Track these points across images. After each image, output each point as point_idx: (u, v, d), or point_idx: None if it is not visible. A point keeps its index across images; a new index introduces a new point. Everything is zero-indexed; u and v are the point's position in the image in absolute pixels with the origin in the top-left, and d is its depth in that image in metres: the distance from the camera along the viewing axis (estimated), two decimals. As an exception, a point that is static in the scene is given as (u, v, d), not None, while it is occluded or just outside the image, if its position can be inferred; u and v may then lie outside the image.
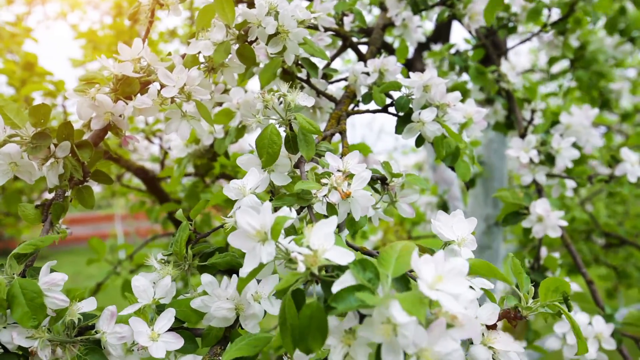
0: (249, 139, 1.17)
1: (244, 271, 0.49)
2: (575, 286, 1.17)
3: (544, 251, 1.24)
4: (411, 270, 0.46)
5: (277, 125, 0.72)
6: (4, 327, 0.59)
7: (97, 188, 2.94)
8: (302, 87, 1.01)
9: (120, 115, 0.73)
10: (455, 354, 0.41)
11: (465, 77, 1.59)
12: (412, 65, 1.92)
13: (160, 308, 0.65)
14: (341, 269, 0.46)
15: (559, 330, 0.96)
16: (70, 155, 0.68)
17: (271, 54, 0.87)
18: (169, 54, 0.84)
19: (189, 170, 1.50)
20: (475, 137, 1.03)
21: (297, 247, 0.46)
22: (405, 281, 0.46)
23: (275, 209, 0.54)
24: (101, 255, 1.85)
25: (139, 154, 2.40)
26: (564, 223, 1.06)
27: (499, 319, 0.57)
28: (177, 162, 1.38)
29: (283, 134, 0.73)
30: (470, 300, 0.42)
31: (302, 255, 0.45)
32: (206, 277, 0.66)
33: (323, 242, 0.46)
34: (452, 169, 0.98)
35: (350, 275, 0.45)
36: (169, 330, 0.62)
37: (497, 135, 2.25)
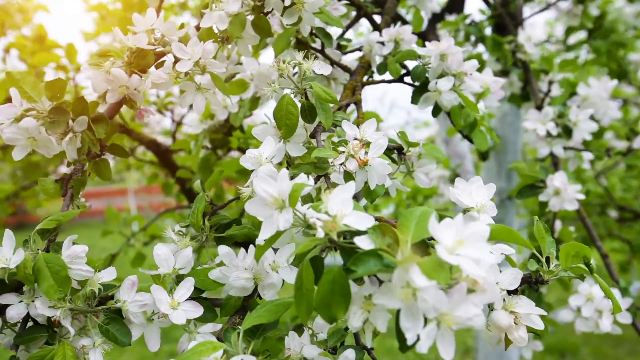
0: (263, 112, 1.16)
1: (261, 238, 0.49)
2: (593, 265, 1.16)
3: (558, 224, 1.23)
4: (430, 238, 0.46)
5: (292, 95, 0.71)
6: (32, 301, 0.60)
7: (111, 162, 2.97)
8: (315, 57, 1.00)
9: (135, 89, 0.73)
10: (476, 319, 0.41)
11: (480, 48, 1.56)
12: (426, 37, 1.89)
13: (178, 278, 0.66)
14: (359, 235, 0.45)
15: (574, 302, 0.96)
16: (87, 129, 0.68)
17: (286, 25, 0.86)
18: (182, 25, 0.83)
19: (204, 145, 1.51)
20: (491, 107, 1.01)
21: (315, 213, 0.45)
22: (425, 246, 0.45)
23: (292, 178, 0.54)
24: (116, 225, 1.87)
25: (151, 128, 2.41)
26: (581, 196, 1.05)
27: (521, 284, 0.57)
28: (193, 138, 1.38)
29: (298, 104, 0.72)
30: (491, 265, 0.42)
31: (321, 220, 0.44)
32: (223, 249, 0.66)
33: (341, 208, 0.45)
34: (469, 139, 0.97)
35: (369, 239, 0.44)
36: (189, 299, 0.63)
37: (511, 109, 2.22)
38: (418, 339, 0.41)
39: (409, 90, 0.95)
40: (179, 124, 1.92)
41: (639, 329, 0.98)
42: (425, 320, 0.42)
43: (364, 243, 0.44)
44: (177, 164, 1.80)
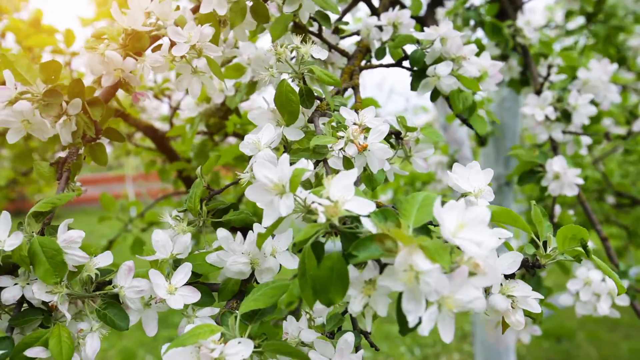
0: (260, 96, 1.15)
1: (263, 225, 0.49)
2: (590, 243, 1.16)
3: (557, 209, 1.23)
4: (430, 223, 0.46)
5: (290, 80, 0.71)
6: (28, 284, 0.60)
7: (108, 147, 2.95)
8: (313, 42, 0.99)
9: (130, 72, 0.72)
10: (477, 301, 0.41)
11: (479, 33, 1.55)
12: (424, 22, 1.88)
13: (176, 263, 0.65)
14: (361, 222, 0.45)
15: (572, 287, 0.96)
16: (82, 112, 0.68)
17: (286, 12, 0.85)
18: (177, 7, 0.82)
19: (200, 129, 1.50)
20: (489, 91, 1.01)
21: (316, 198, 0.45)
22: (426, 231, 0.45)
23: (291, 164, 0.54)
24: (112, 211, 1.86)
25: (148, 114, 2.39)
26: (581, 181, 1.05)
27: (519, 268, 0.57)
28: (188, 121, 1.37)
29: (296, 88, 0.71)
30: (492, 249, 0.42)
31: (323, 206, 0.44)
32: (222, 232, 0.66)
33: (343, 193, 0.45)
34: (467, 124, 0.97)
35: (371, 223, 0.44)
36: (186, 284, 0.63)
37: (510, 94, 2.22)
38: (419, 322, 0.41)
39: (407, 77, 0.95)
40: (175, 110, 1.91)
41: (638, 310, 0.99)
42: (427, 304, 0.42)
43: (369, 225, 0.44)
44: (174, 150, 1.79)
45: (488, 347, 2.39)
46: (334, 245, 0.46)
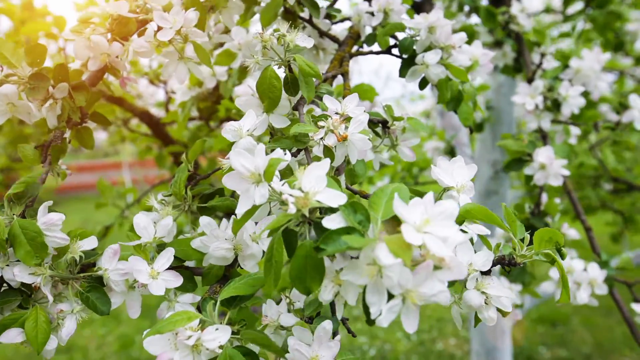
0: (251, 81, 1.15)
1: (238, 212, 0.49)
2: (574, 233, 1.17)
3: (544, 197, 1.23)
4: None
5: (276, 67, 0.71)
6: (7, 265, 0.60)
7: (104, 134, 2.95)
8: (304, 27, 0.99)
9: (116, 57, 0.72)
10: (441, 295, 0.42)
11: (474, 19, 1.54)
12: (422, 9, 1.87)
13: (159, 248, 0.66)
14: (333, 212, 0.46)
15: (554, 275, 0.97)
16: (67, 96, 0.68)
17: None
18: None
19: (193, 114, 1.50)
20: (483, 81, 1.01)
21: (289, 189, 0.46)
22: (397, 223, 0.45)
23: (272, 151, 0.54)
24: (109, 197, 1.86)
25: (144, 100, 2.39)
26: (566, 172, 1.05)
27: (494, 265, 0.58)
28: (181, 105, 1.38)
29: (282, 75, 0.71)
30: (458, 243, 0.42)
31: (293, 197, 0.45)
32: (204, 219, 0.67)
33: (314, 185, 0.46)
34: (456, 112, 0.97)
35: (341, 216, 0.45)
36: (169, 268, 0.64)
37: (507, 80, 2.21)
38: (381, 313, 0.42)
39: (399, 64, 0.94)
40: (170, 96, 1.91)
41: (617, 299, 1.00)
42: (392, 296, 0.42)
43: (331, 223, 0.44)
44: (170, 136, 1.79)
45: (484, 333, 2.42)
46: (307, 232, 0.47)
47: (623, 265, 1.04)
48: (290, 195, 0.45)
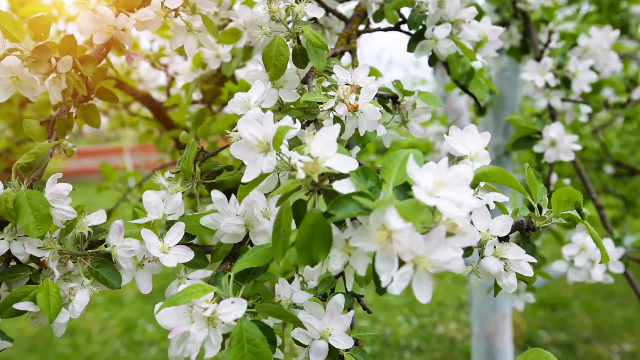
0: (259, 57, 1.14)
1: (243, 180, 0.48)
2: (585, 212, 1.16)
3: (554, 177, 1.22)
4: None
5: (284, 38, 0.69)
6: (15, 239, 0.59)
7: (104, 119, 2.93)
8: (309, 1, 0.97)
9: (122, 29, 0.71)
10: (454, 262, 0.40)
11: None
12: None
13: (168, 225, 0.65)
14: (344, 178, 0.44)
15: (567, 252, 0.96)
16: (72, 70, 0.66)
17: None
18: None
19: (195, 98, 1.48)
20: (489, 60, 1.00)
21: (298, 155, 0.44)
22: (407, 189, 0.44)
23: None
24: (112, 181, 1.85)
25: (146, 84, 2.37)
26: (578, 147, 1.04)
27: (512, 231, 0.56)
28: (184, 87, 1.36)
29: (290, 49, 0.70)
30: (473, 209, 0.41)
31: (302, 162, 0.43)
32: (216, 194, 0.66)
33: (324, 150, 0.44)
34: (465, 90, 0.95)
35: (351, 182, 0.43)
36: (179, 244, 0.62)
37: (510, 63, 2.19)
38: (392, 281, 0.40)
39: (406, 43, 0.93)
40: (172, 79, 1.89)
41: (631, 278, 0.99)
42: (401, 263, 0.41)
43: (343, 187, 0.43)
44: (172, 120, 1.77)
45: (484, 317, 2.42)
46: (317, 200, 0.46)
47: (638, 244, 1.03)
48: (300, 160, 0.43)
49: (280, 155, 0.48)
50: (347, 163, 0.44)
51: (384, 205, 0.40)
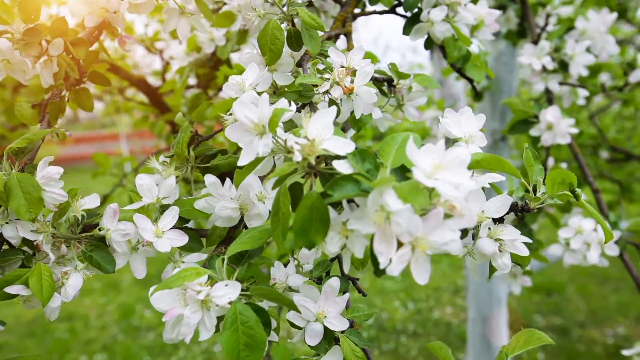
0: (254, 40, 1.13)
1: (239, 164, 0.48)
2: (578, 192, 1.16)
3: (550, 161, 1.22)
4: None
5: (278, 21, 0.68)
6: (7, 223, 0.59)
7: (100, 104, 2.91)
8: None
9: (114, 12, 0.70)
10: (452, 243, 0.40)
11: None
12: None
13: (162, 208, 0.65)
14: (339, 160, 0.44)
15: (563, 234, 0.96)
16: (64, 53, 0.66)
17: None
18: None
19: (191, 83, 1.47)
20: (486, 45, 0.99)
21: (294, 137, 0.44)
22: (404, 172, 0.44)
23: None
24: (106, 169, 1.85)
25: (140, 70, 2.36)
26: (575, 130, 1.04)
27: (508, 212, 0.56)
28: (179, 72, 1.35)
29: (285, 32, 0.69)
30: (470, 191, 0.40)
31: (299, 144, 0.43)
32: (210, 178, 0.65)
33: (321, 132, 0.44)
34: (462, 74, 0.95)
35: (348, 163, 0.43)
36: (174, 228, 0.62)
37: (507, 48, 2.18)
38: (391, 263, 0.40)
39: (402, 28, 0.92)
40: (167, 64, 1.88)
41: (627, 261, 0.99)
42: (401, 246, 0.41)
43: (342, 166, 0.42)
44: (167, 105, 1.76)
45: (480, 301, 2.44)
46: (314, 182, 0.45)
47: (635, 228, 1.03)
48: (296, 143, 0.43)
49: (276, 137, 0.47)
50: (344, 145, 0.44)
51: (383, 186, 0.40)
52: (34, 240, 0.58)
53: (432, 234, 0.40)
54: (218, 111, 1.35)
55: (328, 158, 0.45)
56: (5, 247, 0.60)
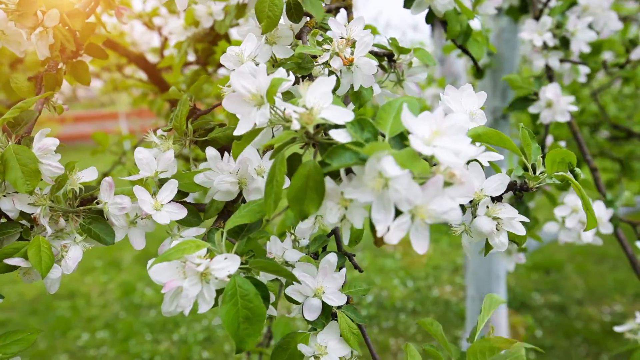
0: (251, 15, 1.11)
1: (235, 133, 0.47)
2: (578, 172, 1.16)
3: (549, 139, 1.22)
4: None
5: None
6: (4, 196, 0.59)
7: (98, 82, 2.89)
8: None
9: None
10: (452, 212, 0.39)
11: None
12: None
13: (161, 182, 0.64)
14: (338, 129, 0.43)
15: (558, 213, 0.96)
16: (60, 24, 0.65)
17: None
18: None
19: (190, 59, 1.46)
20: (488, 21, 0.98)
21: (292, 106, 0.43)
22: (403, 139, 0.43)
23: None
24: (105, 147, 1.85)
25: (138, 47, 2.33)
26: (574, 108, 1.03)
27: (506, 191, 0.56)
28: (177, 46, 1.33)
29: (284, 3, 0.68)
30: (470, 157, 0.40)
31: (297, 113, 0.42)
32: (210, 151, 0.65)
33: (319, 101, 0.43)
34: (463, 49, 0.94)
35: (346, 132, 0.42)
36: (172, 201, 0.62)
37: (509, 25, 2.15)
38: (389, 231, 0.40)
39: (404, 10, 0.91)
40: (166, 40, 1.86)
41: (621, 239, 1.00)
42: (398, 213, 0.40)
43: (340, 136, 0.42)
44: (166, 82, 1.75)
45: (479, 279, 2.45)
46: (312, 153, 0.45)
47: (627, 202, 1.03)
48: (294, 111, 0.42)
49: (274, 108, 0.47)
50: (343, 114, 0.43)
51: (380, 152, 0.39)
52: (32, 214, 0.58)
53: (431, 203, 0.40)
54: (218, 89, 1.35)
55: (327, 128, 0.45)
56: (3, 220, 0.60)
